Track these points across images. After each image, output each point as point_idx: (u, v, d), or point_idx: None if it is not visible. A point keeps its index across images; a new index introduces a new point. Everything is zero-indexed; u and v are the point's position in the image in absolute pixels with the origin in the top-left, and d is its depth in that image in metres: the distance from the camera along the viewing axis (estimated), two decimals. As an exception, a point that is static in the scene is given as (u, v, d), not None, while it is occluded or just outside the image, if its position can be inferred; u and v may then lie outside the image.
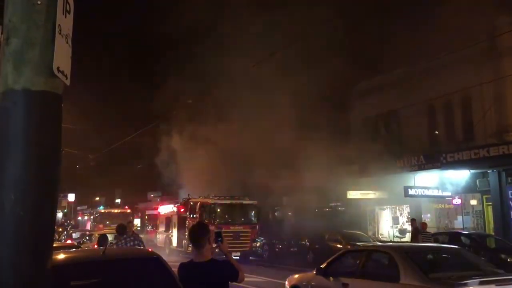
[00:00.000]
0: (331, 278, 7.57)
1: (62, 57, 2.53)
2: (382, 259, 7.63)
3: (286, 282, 9.08)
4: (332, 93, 21.24)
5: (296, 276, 9.06)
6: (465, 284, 5.84)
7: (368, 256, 7.75)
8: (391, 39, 19.34)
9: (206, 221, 19.70)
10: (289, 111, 20.72)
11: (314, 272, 8.02)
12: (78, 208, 49.87)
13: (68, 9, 2.60)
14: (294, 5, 19.60)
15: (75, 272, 5.05)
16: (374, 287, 6.95)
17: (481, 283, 5.85)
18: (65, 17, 2.57)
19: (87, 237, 21.20)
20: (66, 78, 2.59)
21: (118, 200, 50.02)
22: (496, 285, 5.89)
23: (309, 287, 8.28)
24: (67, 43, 2.61)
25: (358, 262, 7.69)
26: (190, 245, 20.36)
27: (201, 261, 3.86)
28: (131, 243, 8.44)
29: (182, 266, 4.04)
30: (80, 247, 11.53)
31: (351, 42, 20.63)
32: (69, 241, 20.51)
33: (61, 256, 5.38)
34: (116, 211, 33.41)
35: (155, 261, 5.42)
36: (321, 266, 8.04)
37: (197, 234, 3.92)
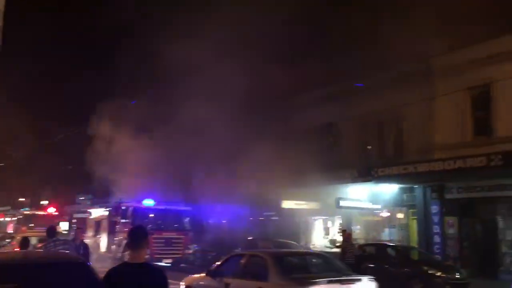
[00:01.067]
0: (217, 279, 8.79)
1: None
2: (259, 262, 8.73)
3: (181, 283, 9.96)
4: (273, 104, 21.47)
5: (190, 277, 10.14)
6: (316, 283, 7.47)
7: (248, 259, 9.03)
8: (334, 55, 19.89)
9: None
10: (228, 118, 20.66)
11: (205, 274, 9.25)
12: (0, 209, 47.03)
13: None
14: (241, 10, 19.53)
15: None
16: (249, 285, 8.27)
17: (329, 282, 7.52)
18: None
19: (8, 240, 20.02)
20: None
21: (44, 202, 47.65)
22: (341, 284, 7.65)
23: (199, 287, 9.46)
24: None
25: (240, 264, 8.96)
26: (120, 251, 19.77)
27: (136, 262, 3.78)
28: (60, 247, 7.98)
29: (113, 270, 3.87)
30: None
31: (296, 53, 20.97)
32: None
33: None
34: (41, 213, 31.83)
35: (80, 266, 5.18)
36: (210, 268, 9.33)
37: (136, 236, 3.89)
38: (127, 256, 3.95)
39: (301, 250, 12.05)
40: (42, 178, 43.78)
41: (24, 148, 34.44)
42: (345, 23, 18.70)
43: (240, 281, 8.46)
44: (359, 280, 8.01)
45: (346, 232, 17.00)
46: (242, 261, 9.04)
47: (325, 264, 9.17)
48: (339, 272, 8.45)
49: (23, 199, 48.03)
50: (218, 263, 9.46)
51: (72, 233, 30.39)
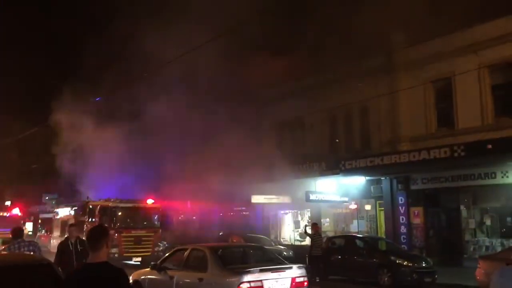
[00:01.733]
0: (162, 272, 9.35)
1: None
2: (199, 255, 9.40)
3: (130, 277, 9.92)
4: (242, 97, 21.33)
5: (138, 271, 10.59)
6: (249, 272, 8.10)
7: (190, 253, 9.59)
8: (301, 49, 19.97)
9: (106, 225, 18.89)
10: (197, 111, 20.49)
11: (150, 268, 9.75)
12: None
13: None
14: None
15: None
16: (191, 276, 8.93)
17: (261, 270, 8.25)
18: None
19: None
20: None
21: (8, 203, 46.29)
22: (272, 272, 8.41)
23: (146, 281, 9.83)
24: None
25: (183, 258, 9.58)
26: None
27: (96, 262, 3.66)
28: (25, 248, 7.72)
29: (72, 272, 3.77)
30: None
31: (263, 47, 20.90)
32: None
33: None
34: (4, 214, 30.90)
35: (46, 268, 5.06)
36: (156, 262, 9.84)
37: (95, 236, 3.77)
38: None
39: (240, 244, 12.66)
40: (5, 178, 42.47)
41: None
42: (312, 17, 18.80)
43: (183, 273, 9.16)
44: (290, 268, 8.84)
45: (315, 225, 17.18)
46: (185, 254, 9.65)
47: (262, 255, 10.06)
48: (273, 262, 9.31)
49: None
50: (163, 257, 10.16)
51: (38, 233, 29.80)
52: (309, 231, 16.95)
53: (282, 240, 24.26)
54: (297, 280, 8.64)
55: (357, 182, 20.41)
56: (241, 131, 20.41)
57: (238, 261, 9.40)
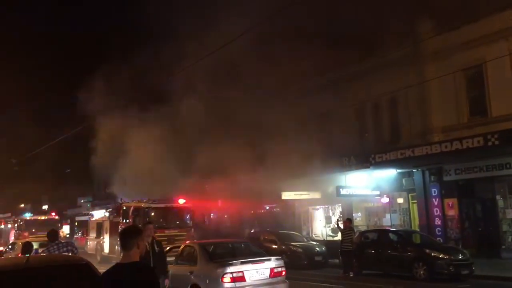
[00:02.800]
0: None
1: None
2: (191, 251, 10.79)
3: None
4: (270, 93, 21.21)
5: None
6: (231, 264, 9.22)
7: (184, 249, 11.20)
8: (323, 43, 19.72)
9: (139, 225, 19.23)
10: (227, 109, 20.53)
11: None
12: (1, 216, 46.97)
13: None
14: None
15: (-4, 282, 4.73)
16: (183, 269, 10.25)
17: (242, 262, 9.38)
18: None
19: (9, 246, 20.01)
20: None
21: (45, 207, 47.66)
22: (252, 263, 9.50)
23: None
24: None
25: (178, 253, 11.21)
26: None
27: (127, 262, 3.74)
28: (64, 249, 7.98)
29: (106, 272, 3.87)
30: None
31: (291, 40, 20.71)
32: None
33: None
34: (42, 218, 31.81)
35: (84, 268, 5.20)
36: None
37: (127, 235, 3.85)
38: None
39: (228, 240, 13.62)
40: (42, 183, 43.72)
41: (22, 154, 34.32)
42: (337, 10, 18.51)
43: (177, 267, 10.48)
44: (269, 259, 9.93)
45: (348, 220, 17.09)
46: (179, 250, 11.31)
47: (246, 250, 11.20)
48: (256, 255, 10.37)
49: (23, 205, 47.98)
50: None
51: (75, 236, 30.58)
52: (341, 225, 16.90)
53: (314, 236, 24.17)
54: (275, 270, 9.80)
55: (388, 175, 20.15)
56: (270, 129, 20.44)
57: (223, 255, 10.41)
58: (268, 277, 9.60)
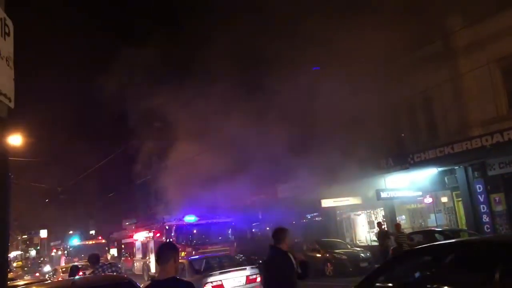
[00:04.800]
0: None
1: (3, 79, 2.50)
2: (182, 266, 11.95)
3: None
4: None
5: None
6: (211, 275, 11.00)
7: None
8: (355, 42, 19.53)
9: (183, 243, 19.51)
10: (265, 122, 20.56)
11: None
12: (52, 243, 48.55)
13: (7, 31, 2.58)
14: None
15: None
16: None
17: (221, 273, 11.16)
18: (4, 39, 2.55)
19: (51, 273, 20.71)
20: (10, 101, 2.56)
21: (92, 232, 48.96)
22: (230, 273, 11.25)
23: None
24: (8, 65, 2.58)
25: None
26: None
27: (163, 278, 3.81)
28: (109, 270, 8.24)
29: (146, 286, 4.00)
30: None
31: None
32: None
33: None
34: (90, 242, 32.72)
35: (127, 285, 5.34)
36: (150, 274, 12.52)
37: (161, 252, 3.95)
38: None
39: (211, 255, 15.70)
40: (88, 209, 45.01)
41: (68, 182, 35.51)
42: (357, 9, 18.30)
43: None
44: (244, 269, 11.73)
45: (390, 224, 16.78)
46: None
47: (229, 262, 12.99)
48: (235, 266, 12.18)
49: (71, 232, 49.46)
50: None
51: (122, 258, 31.17)
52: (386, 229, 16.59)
53: (358, 242, 23.79)
54: (251, 277, 11.54)
55: (429, 175, 19.66)
56: (302, 140, 20.41)
57: (209, 267, 12.11)
58: (244, 283, 11.39)
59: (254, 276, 11.72)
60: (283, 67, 19.18)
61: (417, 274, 5.58)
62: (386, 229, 20.04)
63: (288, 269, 5.70)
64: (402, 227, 18.87)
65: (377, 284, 5.72)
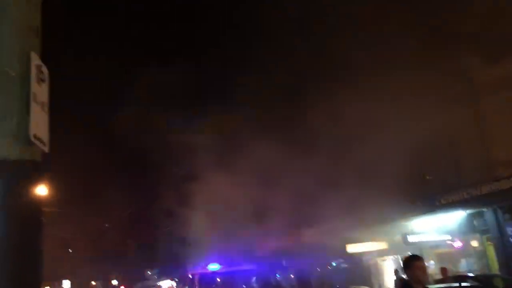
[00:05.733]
0: None
1: (39, 124, 2.57)
2: None
3: None
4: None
5: None
6: None
7: None
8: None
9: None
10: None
11: None
12: (74, 295, 48.21)
13: (42, 78, 2.67)
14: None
15: None
16: None
17: None
18: (40, 85, 2.64)
19: None
20: (45, 145, 2.62)
21: (114, 282, 48.56)
22: None
23: None
24: (43, 110, 2.66)
25: None
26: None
27: None
28: None
29: None
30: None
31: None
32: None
33: None
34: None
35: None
36: None
37: None
38: None
39: None
40: (109, 258, 44.84)
41: (90, 233, 35.71)
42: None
43: None
44: None
45: (443, 268, 15.95)
46: None
47: None
48: None
49: (94, 283, 49.16)
50: None
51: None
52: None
53: (389, 288, 23.02)
54: None
55: (457, 217, 19.14)
56: (327, 181, 20.20)
57: None
58: None
59: None
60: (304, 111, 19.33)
61: None
62: (404, 276, 19.45)
63: None
64: (428, 272, 18.22)
65: None
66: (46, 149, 2.61)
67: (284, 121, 20.94)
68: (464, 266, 19.70)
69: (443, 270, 15.45)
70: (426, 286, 4.33)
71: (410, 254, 4.73)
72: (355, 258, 23.47)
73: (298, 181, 20.07)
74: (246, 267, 21.18)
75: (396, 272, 19.65)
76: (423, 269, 4.27)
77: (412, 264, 4.24)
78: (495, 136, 18.46)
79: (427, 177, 21.52)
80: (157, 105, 22.82)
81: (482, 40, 17.18)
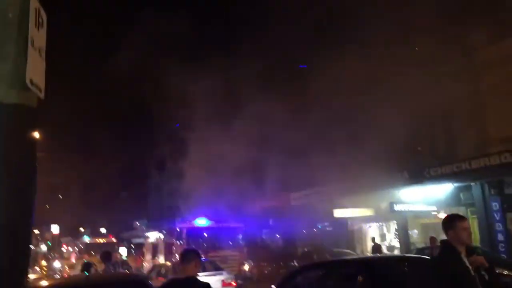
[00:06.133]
0: None
1: (36, 70, 2.51)
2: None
3: None
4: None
5: None
6: None
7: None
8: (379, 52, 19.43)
9: (193, 246, 19.48)
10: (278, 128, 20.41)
11: None
12: (62, 240, 48.88)
13: (41, 22, 2.59)
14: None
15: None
16: None
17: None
18: (38, 30, 2.56)
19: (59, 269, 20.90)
20: (41, 92, 2.57)
21: (103, 230, 49.25)
22: (206, 277, 9.96)
23: None
24: (40, 56, 2.60)
25: None
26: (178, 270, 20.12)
27: (183, 277, 4.00)
28: (120, 269, 8.25)
29: (162, 285, 4.14)
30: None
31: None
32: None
33: (42, 284, 5.26)
34: (101, 240, 32.91)
35: (140, 284, 5.33)
36: None
37: (186, 253, 4.20)
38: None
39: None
40: (99, 207, 45.31)
41: (81, 180, 35.88)
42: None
43: None
44: (221, 273, 12.76)
45: (432, 237, 16.05)
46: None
47: (208, 266, 13.55)
48: (211, 270, 13.19)
49: (83, 229, 49.85)
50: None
51: (132, 258, 31.28)
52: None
53: (368, 253, 23.56)
54: (226, 281, 12.41)
55: (444, 190, 19.41)
56: (318, 146, 20.26)
57: None
58: (221, 287, 12.29)
59: (230, 281, 12.75)
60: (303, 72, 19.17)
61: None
62: (378, 244, 20.05)
63: None
64: (411, 240, 18.64)
65: None
66: (41, 95, 2.56)
67: (282, 82, 20.77)
68: (446, 237, 20.11)
69: (432, 239, 15.72)
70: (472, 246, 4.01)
71: (451, 214, 4.22)
72: (341, 223, 23.88)
73: (291, 140, 20.16)
74: (233, 224, 21.52)
75: (373, 239, 20.08)
76: (468, 230, 3.96)
77: (455, 224, 3.93)
78: (491, 113, 18.48)
79: (418, 148, 21.67)
80: (154, 53, 22.46)
81: (487, 16, 16.92)
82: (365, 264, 6.69)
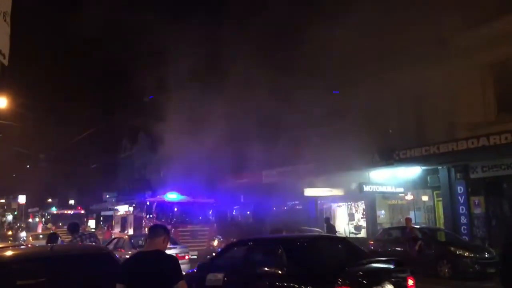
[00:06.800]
0: None
1: (-1, 35, 2.41)
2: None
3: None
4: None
5: None
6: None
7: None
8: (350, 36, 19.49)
9: (163, 220, 19.48)
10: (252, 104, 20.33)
11: None
12: (29, 210, 48.18)
13: (5, -16, 2.48)
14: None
15: (21, 270, 4.85)
16: None
17: None
18: (3, -7, 2.45)
19: (23, 239, 20.59)
20: (4, 57, 2.47)
21: (71, 202, 48.67)
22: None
23: None
24: (5, 21, 2.49)
25: None
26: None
27: (149, 250, 3.97)
28: (87, 240, 8.15)
29: (129, 257, 4.11)
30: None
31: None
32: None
33: (5, 253, 5.17)
34: (69, 212, 32.56)
35: (106, 257, 5.30)
36: None
37: (155, 228, 4.20)
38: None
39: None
40: (68, 178, 44.62)
41: (50, 149, 35.16)
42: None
43: None
44: (174, 247, 13.41)
45: (408, 218, 16.24)
46: None
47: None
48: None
49: (50, 200, 49.10)
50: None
51: (100, 231, 31.10)
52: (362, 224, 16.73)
53: (337, 233, 24.02)
54: (180, 255, 12.77)
55: (412, 172, 19.85)
56: (291, 127, 20.34)
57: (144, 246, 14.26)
58: None
59: (183, 254, 13.26)
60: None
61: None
62: (332, 224, 20.49)
63: None
64: (378, 221, 19.02)
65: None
66: (5, 61, 2.47)
67: (258, 56, 20.57)
68: (412, 218, 20.63)
69: (408, 220, 16.13)
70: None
71: None
72: (311, 202, 24.21)
73: (266, 117, 20.13)
74: (204, 199, 21.54)
75: (327, 220, 20.32)
76: None
77: None
78: (460, 99, 18.83)
79: (390, 131, 21.99)
80: (128, 12, 21.86)
81: (463, 2, 17.07)
82: (281, 241, 7.68)
